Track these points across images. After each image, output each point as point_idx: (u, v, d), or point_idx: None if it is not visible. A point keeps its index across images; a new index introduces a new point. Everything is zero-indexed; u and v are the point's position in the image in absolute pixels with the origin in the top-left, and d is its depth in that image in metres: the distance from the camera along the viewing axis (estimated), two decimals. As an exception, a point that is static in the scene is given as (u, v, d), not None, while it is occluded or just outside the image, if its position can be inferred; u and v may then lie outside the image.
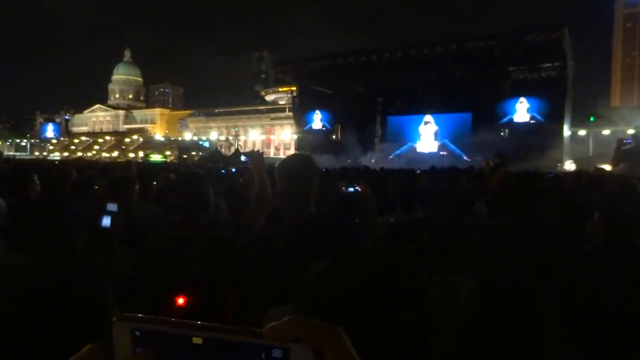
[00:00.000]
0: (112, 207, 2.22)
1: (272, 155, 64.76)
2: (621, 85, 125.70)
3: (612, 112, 42.13)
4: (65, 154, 72.50)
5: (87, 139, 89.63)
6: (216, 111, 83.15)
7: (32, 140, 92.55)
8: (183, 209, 1.82)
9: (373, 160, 27.08)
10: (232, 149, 54.45)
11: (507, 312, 1.14)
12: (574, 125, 33.18)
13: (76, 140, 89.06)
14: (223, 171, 11.29)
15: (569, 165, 26.51)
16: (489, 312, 1.13)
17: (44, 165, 12.69)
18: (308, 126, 35.71)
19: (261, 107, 79.67)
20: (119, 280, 1.87)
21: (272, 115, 73.94)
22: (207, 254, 1.63)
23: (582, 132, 37.26)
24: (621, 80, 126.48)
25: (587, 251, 2.21)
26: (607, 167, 12.52)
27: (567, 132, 28.71)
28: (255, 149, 2.67)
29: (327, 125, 34.73)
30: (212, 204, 1.95)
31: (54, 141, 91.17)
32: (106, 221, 2.18)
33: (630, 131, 26.18)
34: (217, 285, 0.78)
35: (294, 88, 38.93)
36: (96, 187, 3.72)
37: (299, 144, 37.58)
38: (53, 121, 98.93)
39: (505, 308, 1.13)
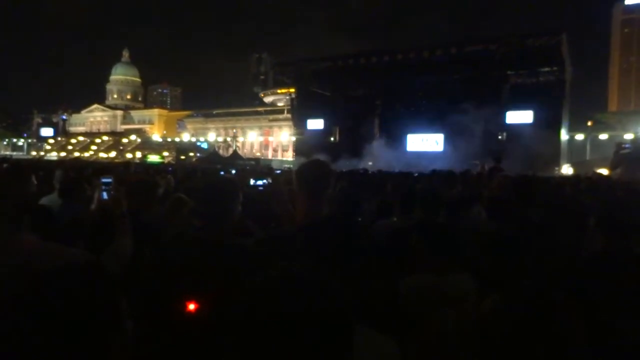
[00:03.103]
0: (107, 179, 2.19)
1: (270, 156, 64.79)
2: (618, 90, 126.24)
3: (609, 117, 42.41)
4: (63, 153, 72.27)
5: (85, 139, 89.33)
6: (214, 112, 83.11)
7: (29, 140, 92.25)
8: (204, 216, 1.82)
9: (370, 163, 27.09)
10: (230, 151, 54.41)
11: (536, 324, 1.14)
12: (572, 129, 33.32)
13: (73, 140, 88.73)
14: (222, 173, 11.28)
15: (567, 169, 26.59)
16: (517, 324, 1.14)
17: (41, 165, 12.65)
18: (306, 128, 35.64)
19: (259, 109, 79.67)
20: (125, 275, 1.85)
21: (271, 117, 73.95)
22: (223, 260, 1.61)
23: (579, 137, 37.42)
24: (618, 86, 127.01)
25: (585, 258, 2.21)
26: (605, 172, 12.55)
27: (564, 136, 28.83)
28: (276, 186, 2.65)
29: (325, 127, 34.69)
30: (238, 213, 1.93)
31: (51, 141, 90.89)
32: (103, 194, 2.17)
33: (629, 136, 26.30)
34: (229, 293, 0.78)
35: (292, 90, 38.93)
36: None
37: (297, 146, 37.56)
38: (50, 121, 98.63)
39: (534, 320, 1.14)
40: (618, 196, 2.49)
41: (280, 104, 74.65)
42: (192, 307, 1.46)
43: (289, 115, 49.07)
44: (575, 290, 1.89)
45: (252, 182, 4.18)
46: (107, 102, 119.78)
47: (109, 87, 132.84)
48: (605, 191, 4.40)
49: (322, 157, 26.00)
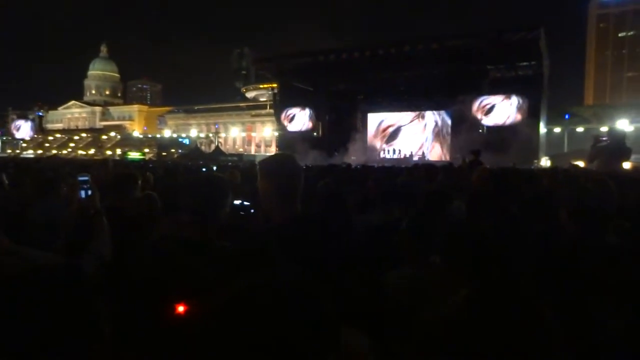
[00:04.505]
0: (83, 177, 2.14)
1: (253, 152, 64.38)
2: (594, 84, 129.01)
3: (585, 111, 43.29)
4: (39, 151, 70.57)
5: (62, 136, 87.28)
6: (196, 108, 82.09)
7: (4, 138, 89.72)
8: (192, 211, 1.77)
9: (354, 158, 27.19)
10: (213, 146, 53.87)
11: (509, 317, 1.16)
12: (550, 122, 33.94)
13: (50, 138, 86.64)
14: (204, 169, 11.18)
15: (545, 162, 27.12)
16: (491, 317, 1.15)
17: (17, 163, 12.32)
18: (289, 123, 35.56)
19: (242, 104, 78.96)
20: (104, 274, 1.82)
21: (253, 112, 73.40)
22: (208, 263, 1.57)
23: (557, 130, 38.18)
24: (594, 80, 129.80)
25: (560, 249, 2.25)
26: (581, 164, 12.85)
27: (542, 129, 29.36)
28: None
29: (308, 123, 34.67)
30: (225, 214, 1.89)
31: (28, 138, 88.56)
32: (81, 192, 2.12)
33: (605, 129, 26.93)
34: (219, 294, 0.76)
35: (274, 85, 38.68)
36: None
37: (279, 141, 37.42)
38: (26, 118, 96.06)
39: (508, 314, 1.15)
40: (585, 186, 2.56)
41: (262, 99, 74.20)
42: (181, 309, 1.42)
43: (271, 111, 48.81)
44: (549, 281, 1.94)
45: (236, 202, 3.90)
46: (85, 99, 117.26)
47: (86, 82, 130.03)
48: (581, 182, 4.50)
49: (305, 152, 25.97)
